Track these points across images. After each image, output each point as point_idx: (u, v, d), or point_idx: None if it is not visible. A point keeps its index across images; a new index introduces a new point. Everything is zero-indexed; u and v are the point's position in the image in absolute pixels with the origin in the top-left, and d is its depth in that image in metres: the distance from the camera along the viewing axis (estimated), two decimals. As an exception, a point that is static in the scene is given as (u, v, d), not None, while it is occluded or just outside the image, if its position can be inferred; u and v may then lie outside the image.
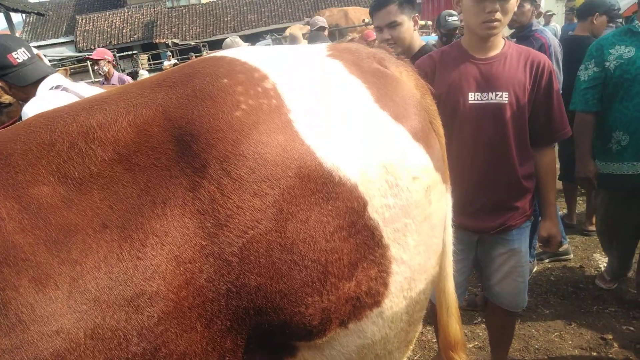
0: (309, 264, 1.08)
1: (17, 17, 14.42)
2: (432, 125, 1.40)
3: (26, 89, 2.03)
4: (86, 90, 2.06)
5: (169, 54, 19.74)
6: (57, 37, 26.00)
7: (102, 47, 24.83)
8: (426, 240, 1.28)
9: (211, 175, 1.01)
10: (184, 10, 28.32)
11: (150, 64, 21.38)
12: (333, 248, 1.10)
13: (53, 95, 1.95)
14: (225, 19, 27.24)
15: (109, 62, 5.90)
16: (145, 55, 22.59)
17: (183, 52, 24.50)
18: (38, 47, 23.73)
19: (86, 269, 0.95)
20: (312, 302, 1.11)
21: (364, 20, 9.88)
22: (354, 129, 1.14)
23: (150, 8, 28.50)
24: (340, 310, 1.15)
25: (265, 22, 26.32)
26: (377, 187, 1.14)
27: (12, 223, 0.96)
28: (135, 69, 20.88)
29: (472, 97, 2.19)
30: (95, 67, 5.83)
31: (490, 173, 2.27)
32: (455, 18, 5.37)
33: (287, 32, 6.44)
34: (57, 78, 2.03)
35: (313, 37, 6.07)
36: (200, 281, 1.01)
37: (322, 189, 1.08)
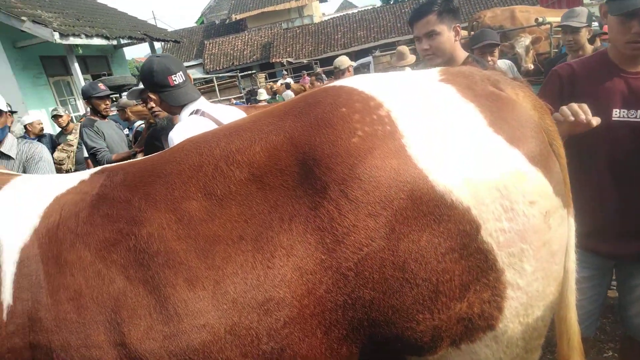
0: (420, 283, 1.13)
1: (156, 45, 16.57)
2: (552, 147, 1.36)
3: (172, 108, 2.37)
4: (222, 111, 2.35)
5: (285, 72, 20.93)
6: (189, 61, 29.15)
7: (225, 67, 27.28)
8: (545, 266, 1.24)
9: (330, 196, 1.12)
10: (297, 31, 29.90)
11: (266, 82, 22.89)
12: (444, 269, 1.14)
13: (192, 120, 2.25)
14: (336, 37, 28.18)
15: None
16: (263, 74, 24.23)
17: (296, 70, 25.83)
18: (173, 71, 26.71)
19: (226, 274, 1.11)
20: (423, 319, 1.15)
21: (536, 19, 8.20)
22: (467, 153, 1.17)
23: (268, 30, 30.59)
24: (452, 330, 1.18)
25: (374, 37, 26.68)
26: (491, 211, 1.15)
27: (170, 232, 1.16)
28: (253, 87, 22.54)
29: (617, 114, 2.03)
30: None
31: (632, 196, 2.07)
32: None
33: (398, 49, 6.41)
34: (198, 103, 2.34)
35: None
36: (320, 291, 1.12)
37: (433, 211, 1.13)
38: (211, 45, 30.38)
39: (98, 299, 1.14)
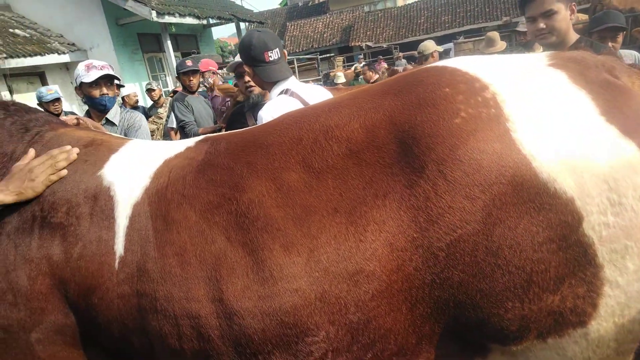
0: (513, 270, 1.11)
1: (241, 25, 17.10)
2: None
3: (265, 83, 2.44)
4: (310, 91, 2.39)
5: (360, 56, 20.72)
6: (274, 34, 29.82)
7: (305, 50, 27.57)
8: (650, 266, 1.17)
9: (428, 175, 1.12)
10: (379, 14, 29.39)
11: (344, 66, 22.86)
12: (540, 258, 1.10)
13: (280, 100, 2.32)
14: (419, 21, 27.35)
15: (213, 73, 5.81)
16: (341, 58, 24.21)
17: (374, 55, 25.50)
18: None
19: (320, 244, 1.16)
20: (512, 307, 1.13)
21: None
22: (575, 141, 1.11)
23: (350, 13, 30.37)
24: (541, 322, 1.15)
25: (459, 22, 25.56)
26: (596, 203, 1.09)
27: (270, 200, 1.23)
28: (330, 71, 22.61)
29: None
30: (202, 79, 5.53)
31: None
32: None
33: (488, 35, 6.09)
34: (289, 82, 2.39)
35: None
36: (409, 268, 1.13)
37: (534, 199, 1.09)
38: (293, 27, 30.79)
39: (200, 256, 1.23)
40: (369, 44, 27.10)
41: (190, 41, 15.05)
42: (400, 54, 19.54)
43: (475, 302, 1.14)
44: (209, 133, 4.63)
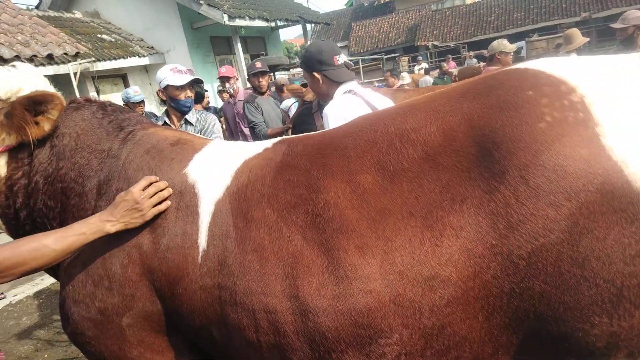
0: (601, 283, 1.05)
1: (307, 27, 17.34)
2: None
3: (332, 85, 2.53)
4: (370, 94, 2.46)
5: (420, 58, 20.20)
6: (335, 42, 30.00)
7: (370, 50, 27.39)
8: None
9: (508, 181, 1.09)
10: (447, 13, 28.60)
11: (409, 66, 22.50)
12: (632, 272, 1.04)
13: (346, 98, 2.39)
14: (489, 19, 26.30)
15: (236, 79, 5.80)
16: (406, 58, 23.85)
17: (441, 54, 24.83)
18: (319, 52, 27.74)
19: (395, 247, 1.17)
20: (599, 323, 1.07)
21: None
22: (676, 148, 1.03)
23: (416, 12, 29.80)
24: (632, 340, 1.08)
25: (533, 19, 24.25)
26: (699, 215, 1.01)
27: (345, 201, 1.25)
28: (394, 69, 22.30)
29: None
30: (227, 85, 5.52)
31: None
32: None
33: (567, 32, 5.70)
34: (352, 84, 2.47)
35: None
36: (487, 276, 1.11)
37: (627, 208, 1.03)
38: (358, 27, 30.75)
39: (278, 253, 1.28)
40: (436, 43, 26.42)
41: (258, 43, 15.51)
42: (470, 53, 18.89)
43: (557, 315, 1.09)
44: (277, 133, 4.79)
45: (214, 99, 10.55)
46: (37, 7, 12.81)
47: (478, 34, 26.10)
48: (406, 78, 11.96)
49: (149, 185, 1.44)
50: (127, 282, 1.45)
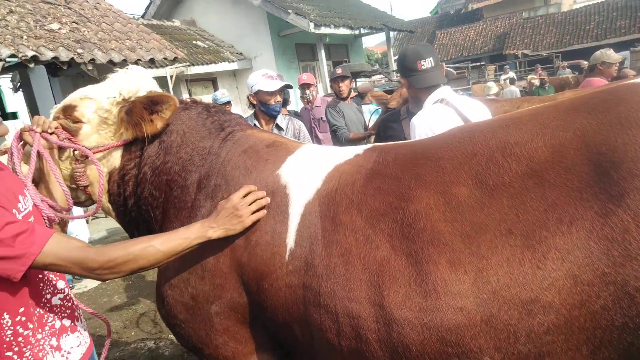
0: None
1: (390, 34, 17.18)
2: None
3: (418, 91, 2.46)
4: (466, 103, 2.32)
5: (507, 67, 19.16)
6: (430, 45, 29.46)
7: (454, 58, 26.59)
8: None
9: (628, 204, 0.99)
10: (540, 20, 27.05)
11: (495, 75, 21.54)
12: None
13: (435, 109, 2.29)
14: (587, 27, 24.45)
15: (315, 87, 5.81)
16: (493, 67, 22.86)
17: (530, 63, 23.50)
18: (401, 60, 27.50)
19: (490, 264, 1.11)
20: None
21: None
22: None
23: (506, 20, 28.52)
24: None
25: (639, 28, 22.20)
26: None
27: (438, 213, 1.21)
28: (479, 80, 21.46)
29: None
30: (307, 92, 5.61)
31: None
32: None
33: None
34: (443, 91, 2.35)
35: None
36: (595, 306, 1.02)
37: None
38: (442, 35, 30.04)
39: (364, 259, 1.27)
40: (526, 52, 25.08)
41: (341, 50, 15.70)
42: (564, 63, 17.67)
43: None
44: (359, 138, 4.79)
45: (295, 104, 10.83)
46: (142, 16, 14.00)
47: (574, 43, 24.39)
48: (493, 88, 11.49)
49: (248, 194, 1.49)
50: (218, 272, 1.52)
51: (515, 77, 15.23)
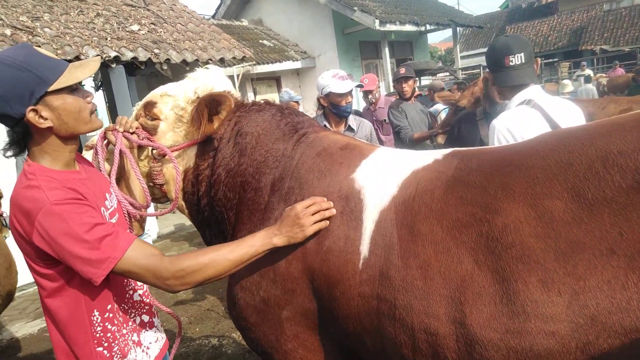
0: None
1: (458, 30, 16.56)
2: None
3: (503, 89, 2.25)
4: (555, 105, 2.11)
5: (583, 63, 17.79)
6: (485, 47, 28.18)
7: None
8: None
9: None
10: (623, 13, 25.00)
11: (569, 72, 20.20)
12: None
13: (519, 111, 2.10)
14: (680, 18, 22.34)
15: (377, 88, 5.63)
16: (567, 63, 21.46)
17: (609, 60, 21.81)
18: (467, 56, 26.58)
19: (588, 287, 1.01)
20: None
21: None
22: None
23: (583, 13, 26.63)
24: None
25: None
26: None
27: (528, 227, 1.13)
28: (550, 77, 20.20)
29: None
30: (369, 96, 5.50)
31: None
32: None
33: None
34: (531, 91, 2.14)
35: None
36: None
37: None
38: (512, 30, 28.57)
39: (445, 274, 1.21)
40: (605, 47, 23.30)
41: (405, 47, 15.41)
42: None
43: None
44: (424, 138, 4.66)
45: (356, 102, 10.77)
46: (213, 16, 14.53)
47: (664, 37, 22.33)
48: (569, 86, 10.78)
49: (312, 204, 1.48)
50: (289, 277, 1.52)
51: (591, 75, 14.17)
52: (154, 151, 1.78)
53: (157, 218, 7.82)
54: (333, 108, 3.33)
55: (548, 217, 1.12)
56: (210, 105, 1.72)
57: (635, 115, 1.21)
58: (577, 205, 1.09)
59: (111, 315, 1.45)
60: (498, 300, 1.12)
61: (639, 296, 0.97)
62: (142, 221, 1.79)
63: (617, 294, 0.99)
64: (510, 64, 2.14)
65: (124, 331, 1.50)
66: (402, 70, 5.14)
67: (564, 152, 1.18)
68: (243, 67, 9.73)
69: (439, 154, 1.50)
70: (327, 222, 1.48)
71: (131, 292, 1.57)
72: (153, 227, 6.45)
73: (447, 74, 13.46)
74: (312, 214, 1.46)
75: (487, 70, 2.29)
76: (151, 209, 3.56)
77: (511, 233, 1.14)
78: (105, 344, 1.42)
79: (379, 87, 5.98)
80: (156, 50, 6.86)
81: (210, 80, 1.83)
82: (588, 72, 15.67)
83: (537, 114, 2.06)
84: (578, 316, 1.02)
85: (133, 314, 1.57)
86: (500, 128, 2.08)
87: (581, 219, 1.08)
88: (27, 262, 1.36)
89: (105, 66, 6.33)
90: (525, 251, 1.11)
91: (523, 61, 2.14)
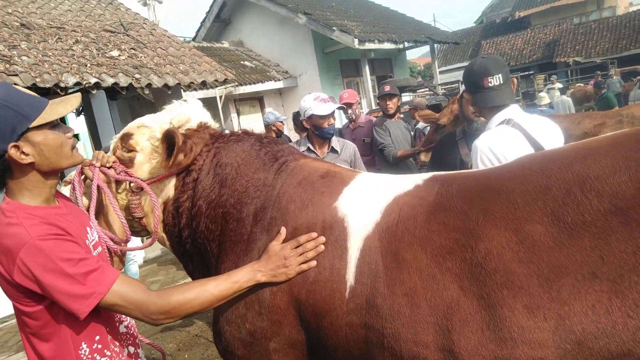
0: None
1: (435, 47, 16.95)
2: None
3: (483, 110, 2.28)
4: (533, 123, 2.14)
5: (553, 77, 18.29)
6: (463, 62, 28.78)
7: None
8: None
9: None
10: (592, 26, 25.92)
11: (544, 84, 20.73)
12: None
13: (499, 131, 2.12)
14: (647, 30, 23.21)
15: (358, 103, 5.56)
16: (542, 76, 22.03)
17: (583, 72, 22.49)
18: (446, 71, 27.09)
19: (574, 312, 1.02)
20: None
21: None
22: None
23: (555, 27, 27.48)
24: None
25: None
26: None
27: (511, 252, 1.14)
28: (527, 90, 20.70)
29: None
30: (349, 111, 5.28)
31: None
32: None
33: None
34: (511, 110, 2.18)
35: None
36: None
37: None
38: (488, 45, 29.36)
39: (431, 301, 1.21)
40: (578, 59, 24.04)
41: (385, 65, 15.65)
42: (616, 70, 16.76)
43: None
44: (408, 155, 4.69)
45: (339, 121, 10.85)
46: (193, 39, 14.58)
47: (631, 48, 23.14)
48: (545, 98, 11.01)
49: (299, 246, 1.48)
50: (275, 309, 1.50)
51: (561, 87, 14.56)
52: (132, 184, 1.76)
53: (142, 241, 7.69)
54: (316, 130, 3.35)
55: (530, 241, 1.13)
56: (166, 140, 1.73)
57: (609, 138, 1.24)
58: (557, 230, 1.11)
59: (100, 346, 1.42)
60: (485, 326, 1.11)
61: (624, 320, 0.98)
62: (122, 255, 1.76)
63: (602, 318, 1.00)
64: (489, 84, 2.17)
65: None
66: (387, 88, 5.17)
67: (542, 177, 1.20)
68: (225, 88, 9.75)
69: (419, 179, 1.51)
70: (315, 262, 1.46)
71: (117, 324, 1.54)
72: (139, 252, 6.32)
73: (427, 89, 13.67)
74: (299, 255, 1.46)
75: (466, 91, 2.32)
76: (138, 242, 3.50)
77: (494, 259, 1.15)
78: None
79: (359, 103, 5.96)
80: (137, 75, 6.84)
81: (187, 111, 1.83)
82: (558, 85, 16.04)
83: (517, 133, 2.09)
84: (565, 342, 1.02)
85: (122, 346, 1.53)
86: (483, 148, 2.10)
87: (562, 243, 1.09)
88: (12, 302, 1.33)
89: (86, 92, 6.27)
90: (509, 276, 1.11)
91: (501, 82, 2.17)
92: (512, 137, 2.07)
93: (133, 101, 9.55)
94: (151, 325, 4.92)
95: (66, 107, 1.39)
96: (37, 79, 5.72)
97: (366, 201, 1.52)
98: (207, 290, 1.43)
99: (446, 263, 1.23)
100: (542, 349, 1.04)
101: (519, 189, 1.22)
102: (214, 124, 1.96)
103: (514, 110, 2.19)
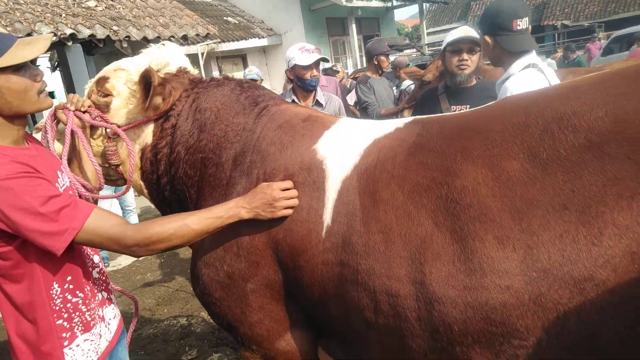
0: None
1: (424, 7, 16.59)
2: None
3: (504, 54, 2.14)
4: (550, 71, 2.10)
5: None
6: (451, 23, 28.31)
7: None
8: None
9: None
10: (584, -12, 25.69)
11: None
12: None
13: (527, 74, 2.05)
14: (636, -6, 23.03)
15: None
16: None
17: (570, 35, 22.36)
18: (434, 32, 26.69)
19: (542, 241, 1.05)
20: None
21: None
22: None
23: (546, -12, 27.18)
24: None
25: (694, -7, 20.71)
26: None
27: (486, 188, 1.15)
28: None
29: None
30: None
31: None
32: None
33: None
34: (533, 57, 2.10)
35: None
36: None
37: None
38: (477, 6, 28.85)
39: (405, 236, 1.23)
40: (566, 22, 23.86)
41: (372, 24, 15.33)
42: (603, 34, 16.72)
43: None
44: (391, 113, 4.67)
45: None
46: (173, -9, 13.99)
47: (619, 12, 23.03)
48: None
49: (289, 189, 1.47)
50: (253, 250, 1.52)
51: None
52: (108, 130, 1.72)
53: (137, 194, 7.62)
54: (298, 81, 3.29)
55: (505, 177, 1.14)
56: (142, 80, 1.67)
57: (591, 77, 1.24)
58: (532, 165, 1.12)
59: (72, 286, 1.41)
60: (456, 259, 1.14)
61: (588, 248, 1.01)
62: (94, 203, 1.74)
63: (567, 246, 1.03)
64: (518, 27, 2.07)
65: (92, 305, 1.48)
66: (387, 44, 5.08)
67: (522, 115, 1.20)
68: (207, 44, 9.48)
69: (400, 122, 1.51)
70: (292, 211, 1.46)
71: (90, 269, 1.54)
72: (116, 209, 6.22)
73: (414, 50, 13.49)
74: (287, 199, 1.45)
75: (487, 33, 2.16)
76: (109, 191, 3.41)
77: (469, 194, 1.17)
78: (65, 315, 1.39)
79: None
80: (115, 27, 6.60)
81: (165, 55, 1.77)
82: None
83: (543, 78, 2.06)
84: (531, 270, 1.05)
85: (96, 290, 1.54)
86: (515, 90, 1.99)
87: (536, 177, 1.11)
88: None
89: (61, 44, 6.04)
90: (483, 210, 1.13)
91: (527, 26, 2.10)
92: (540, 81, 2.03)
93: (111, 56, 9.21)
94: (137, 276, 4.86)
95: (32, 50, 1.30)
96: (8, 28, 5.47)
97: (346, 144, 1.51)
98: (187, 225, 1.41)
99: (422, 200, 1.24)
100: (510, 277, 1.07)
101: (498, 128, 1.22)
102: (193, 70, 1.91)
103: (535, 57, 2.13)
